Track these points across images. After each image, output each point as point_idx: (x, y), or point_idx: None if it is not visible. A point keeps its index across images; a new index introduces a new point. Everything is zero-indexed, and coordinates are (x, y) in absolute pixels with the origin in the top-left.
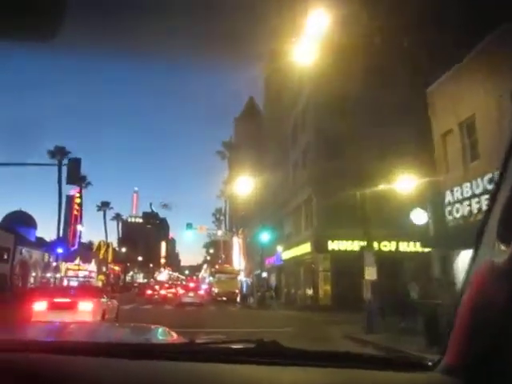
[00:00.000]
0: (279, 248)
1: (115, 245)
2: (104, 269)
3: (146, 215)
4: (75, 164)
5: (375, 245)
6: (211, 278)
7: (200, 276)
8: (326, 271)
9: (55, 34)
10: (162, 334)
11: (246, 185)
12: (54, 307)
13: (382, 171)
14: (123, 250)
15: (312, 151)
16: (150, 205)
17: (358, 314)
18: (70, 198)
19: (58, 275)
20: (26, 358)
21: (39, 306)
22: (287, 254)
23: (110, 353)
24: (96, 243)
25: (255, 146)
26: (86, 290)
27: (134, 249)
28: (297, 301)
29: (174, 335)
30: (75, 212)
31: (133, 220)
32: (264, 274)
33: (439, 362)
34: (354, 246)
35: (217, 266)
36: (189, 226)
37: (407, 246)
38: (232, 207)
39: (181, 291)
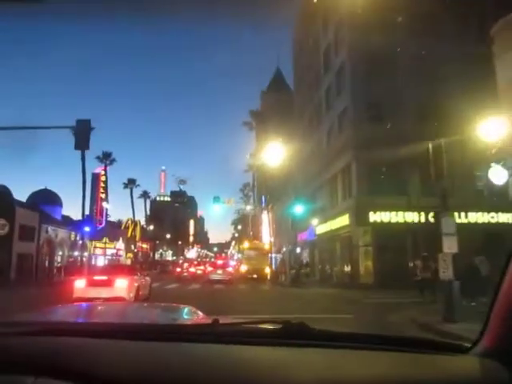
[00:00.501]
0: (314, 221)
1: (143, 223)
2: (132, 247)
3: (174, 194)
4: (84, 126)
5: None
6: (240, 255)
7: (228, 253)
8: (367, 246)
9: None
10: (188, 314)
11: (274, 156)
12: (92, 284)
13: (435, 130)
14: (151, 228)
15: (351, 113)
16: (178, 183)
17: (405, 292)
18: (96, 176)
19: (85, 253)
20: (54, 341)
21: (80, 283)
22: (321, 229)
23: (133, 335)
24: (124, 221)
25: (283, 115)
26: (121, 268)
27: (162, 227)
28: (332, 278)
29: (200, 314)
30: (101, 190)
31: (161, 199)
32: (298, 250)
33: (475, 345)
34: (399, 217)
35: (246, 243)
36: (216, 199)
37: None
38: (260, 181)
39: (209, 268)
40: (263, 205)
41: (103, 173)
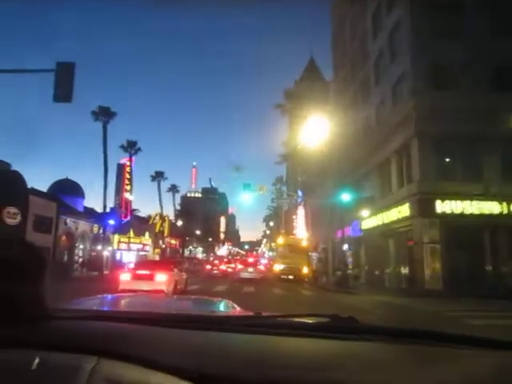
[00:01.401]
0: (363, 214)
1: (172, 218)
2: (160, 242)
3: (205, 190)
4: (66, 71)
5: None
6: (272, 253)
7: (259, 251)
8: (434, 243)
9: None
10: (227, 307)
11: (314, 133)
12: (136, 277)
13: None
14: (180, 223)
15: (411, 79)
16: (210, 180)
17: (491, 303)
18: (121, 167)
19: (109, 248)
20: (115, 326)
21: (125, 276)
22: (368, 223)
23: (187, 324)
24: (152, 216)
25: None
26: (161, 263)
27: (192, 223)
28: (383, 282)
29: (238, 308)
30: (126, 182)
31: (192, 195)
32: (345, 247)
33: None
34: (474, 207)
35: (281, 238)
36: (246, 186)
37: None
38: (293, 173)
39: (240, 266)
40: (299, 199)
41: (129, 163)
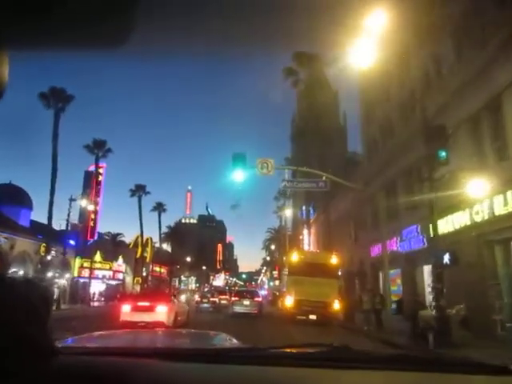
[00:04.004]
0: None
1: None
2: (144, 270)
3: (201, 217)
4: None
5: None
6: (272, 283)
7: (259, 281)
8: None
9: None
10: (225, 340)
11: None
12: (136, 309)
13: None
14: (167, 247)
15: None
16: (206, 206)
17: None
18: (89, 175)
19: (67, 275)
20: (118, 361)
21: (125, 308)
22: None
23: (180, 357)
24: (133, 238)
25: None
26: (161, 294)
27: (186, 250)
28: (495, 328)
29: (235, 341)
30: (95, 193)
31: (186, 221)
32: (426, 269)
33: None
34: None
35: (295, 254)
36: (238, 159)
37: None
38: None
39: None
40: (310, 213)
41: (99, 170)
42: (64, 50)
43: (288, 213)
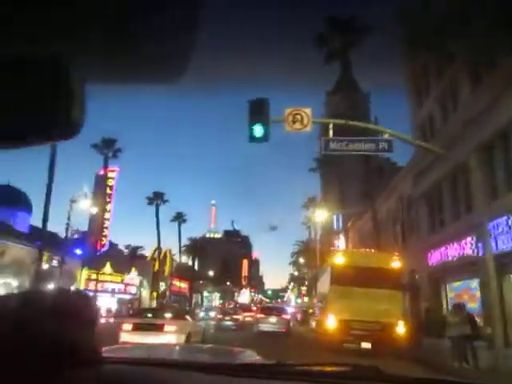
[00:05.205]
0: None
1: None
2: (163, 284)
3: (226, 232)
4: None
5: None
6: (299, 300)
7: (285, 298)
8: None
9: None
10: (251, 356)
11: None
12: (140, 328)
13: None
14: (186, 260)
15: None
16: (232, 222)
17: None
18: (100, 179)
19: (72, 287)
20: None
21: (126, 326)
22: None
23: (213, 371)
24: (151, 251)
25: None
26: (171, 310)
27: (209, 265)
28: None
29: (260, 358)
30: (107, 198)
31: (211, 235)
32: None
33: None
34: None
35: (340, 256)
36: (257, 107)
37: None
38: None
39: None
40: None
41: (111, 175)
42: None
43: (318, 219)
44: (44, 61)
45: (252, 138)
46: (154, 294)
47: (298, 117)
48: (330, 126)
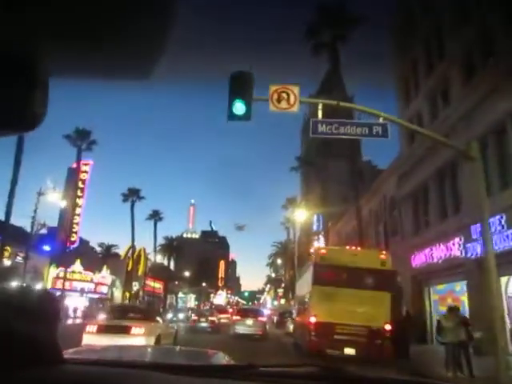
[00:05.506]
0: None
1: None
2: (137, 284)
3: (204, 233)
4: None
5: None
6: (276, 302)
7: (262, 300)
8: None
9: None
10: (222, 359)
11: None
12: (105, 330)
13: None
14: (161, 260)
15: None
16: (210, 222)
17: None
18: (72, 173)
19: (38, 285)
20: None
21: (90, 328)
22: None
23: (178, 371)
24: (124, 249)
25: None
26: (140, 311)
27: (186, 266)
28: None
29: (231, 361)
30: (79, 193)
31: (188, 235)
32: None
33: None
34: None
35: (323, 251)
36: (239, 80)
37: None
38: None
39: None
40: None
41: (85, 168)
42: (90, 78)
43: (298, 219)
44: (7, 53)
45: (231, 116)
46: (127, 293)
47: (284, 95)
48: (320, 106)
